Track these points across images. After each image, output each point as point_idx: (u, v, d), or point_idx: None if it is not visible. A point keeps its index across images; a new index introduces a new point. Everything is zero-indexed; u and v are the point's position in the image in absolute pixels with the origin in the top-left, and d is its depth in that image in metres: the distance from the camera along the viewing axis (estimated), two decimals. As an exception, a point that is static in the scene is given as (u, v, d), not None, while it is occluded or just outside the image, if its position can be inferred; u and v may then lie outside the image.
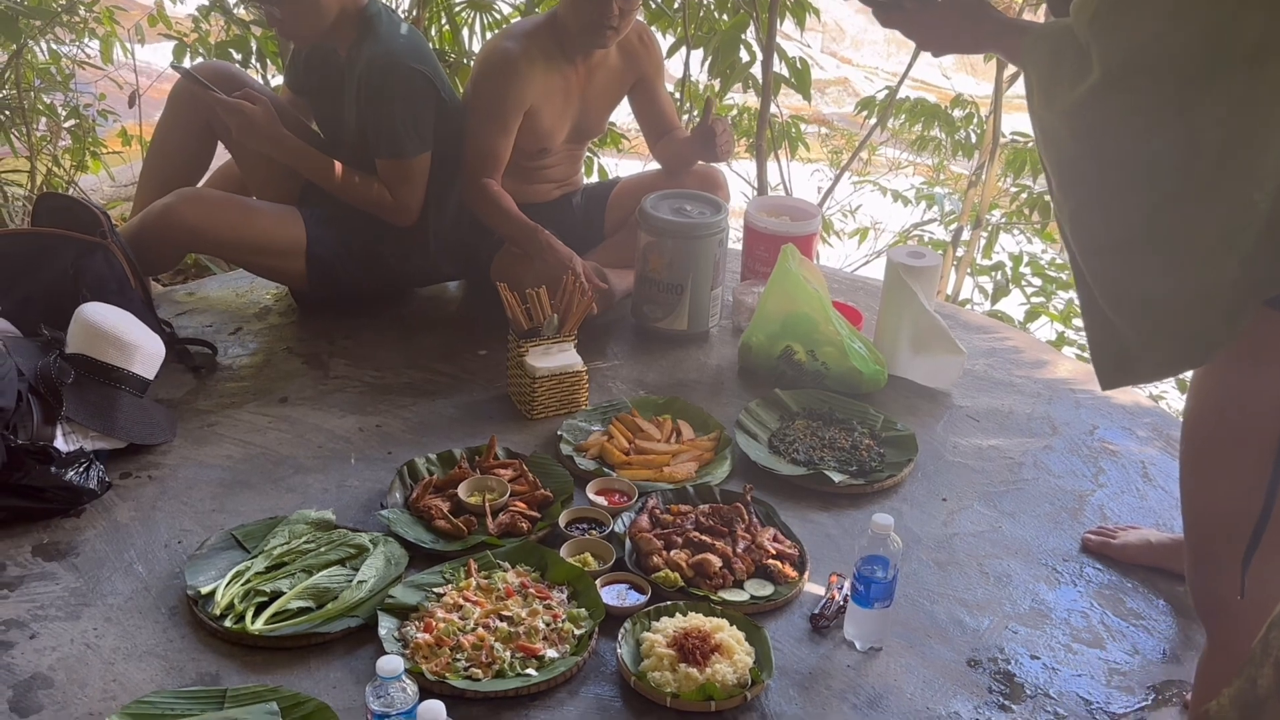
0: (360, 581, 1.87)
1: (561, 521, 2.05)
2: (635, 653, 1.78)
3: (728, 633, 1.78)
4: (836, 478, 2.21)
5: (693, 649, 1.73)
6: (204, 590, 1.84)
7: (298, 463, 2.25)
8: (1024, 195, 4.16)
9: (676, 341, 2.78)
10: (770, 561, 1.96)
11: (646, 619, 1.83)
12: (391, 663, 1.47)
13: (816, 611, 1.88)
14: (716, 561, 1.94)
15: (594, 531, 2.05)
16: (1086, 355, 2.74)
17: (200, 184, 2.86)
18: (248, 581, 1.85)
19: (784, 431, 2.39)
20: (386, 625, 1.78)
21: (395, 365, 2.64)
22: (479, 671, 1.71)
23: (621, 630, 1.80)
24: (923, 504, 2.22)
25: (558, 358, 2.42)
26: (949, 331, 2.58)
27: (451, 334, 2.80)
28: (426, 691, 1.65)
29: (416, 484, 2.14)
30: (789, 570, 1.96)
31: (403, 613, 1.82)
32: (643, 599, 1.89)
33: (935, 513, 2.20)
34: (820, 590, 1.95)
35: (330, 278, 2.73)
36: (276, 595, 1.84)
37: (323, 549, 1.94)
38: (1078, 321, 3.87)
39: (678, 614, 1.83)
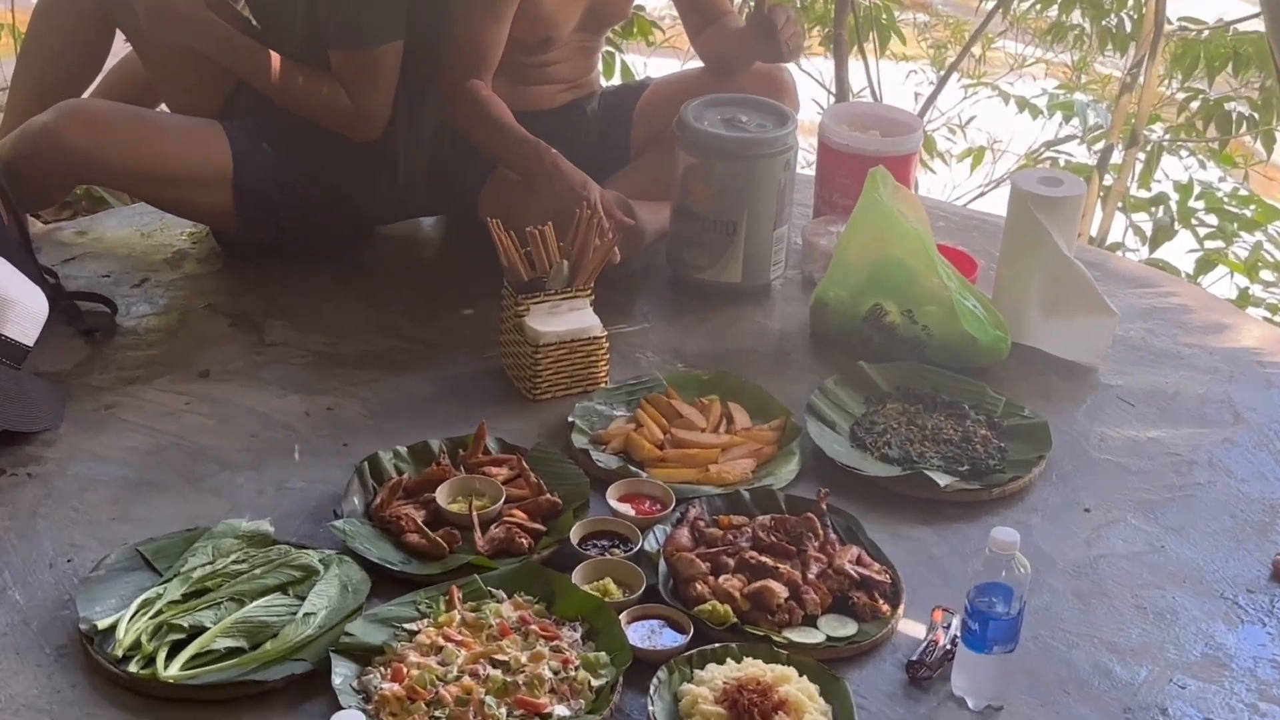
0: (307, 614, 1.88)
1: (574, 537, 2.05)
2: (672, 711, 1.78)
3: (796, 686, 1.78)
4: (942, 480, 2.21)
5: (749, 707, 1.73)
6: (101, 625, 1.85)
7: (224, 457, 2.26)
8: (1196, 103, 4.10)
9: (727, 298, 2.78)
10: (854, 592, 1.96)
11: (687, 667, 1.83)
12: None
13: (915, 658, 1.88)
14: (781, 591, 1.94)
15: (617, 550, 2.05)
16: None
17: (90, 92, 2.87)
18: (159, 613, 1.86)
19: (871, 418, 2.38)
20: (342, 672, 1.79)
21: (352, 329, 2.64)
22: (464, 734, 1.72)
23: (654, 682, 1.80)
24: (1058, 516, 2.21)
25: (568, 319, 2.42)
26: (1095, 285, 2.55)
27: (427, 287, 2.80)
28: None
29: (381, 486, 2.15)
30: (878, 603, 1.96)
31: (364, 656, 1.83)
32: (682, 640, 1.89)
33: (1075, 527, 2.19)
34: (920, 630, 1.94)
35: (265, 214, 2.73)
36: (197, 632, 1.85)
37: (258, 571, 1.95)
38: (1268, 274, 3.83)
39: (729, 660, 1.83)
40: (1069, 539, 2.16)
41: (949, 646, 1.88)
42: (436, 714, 1.74)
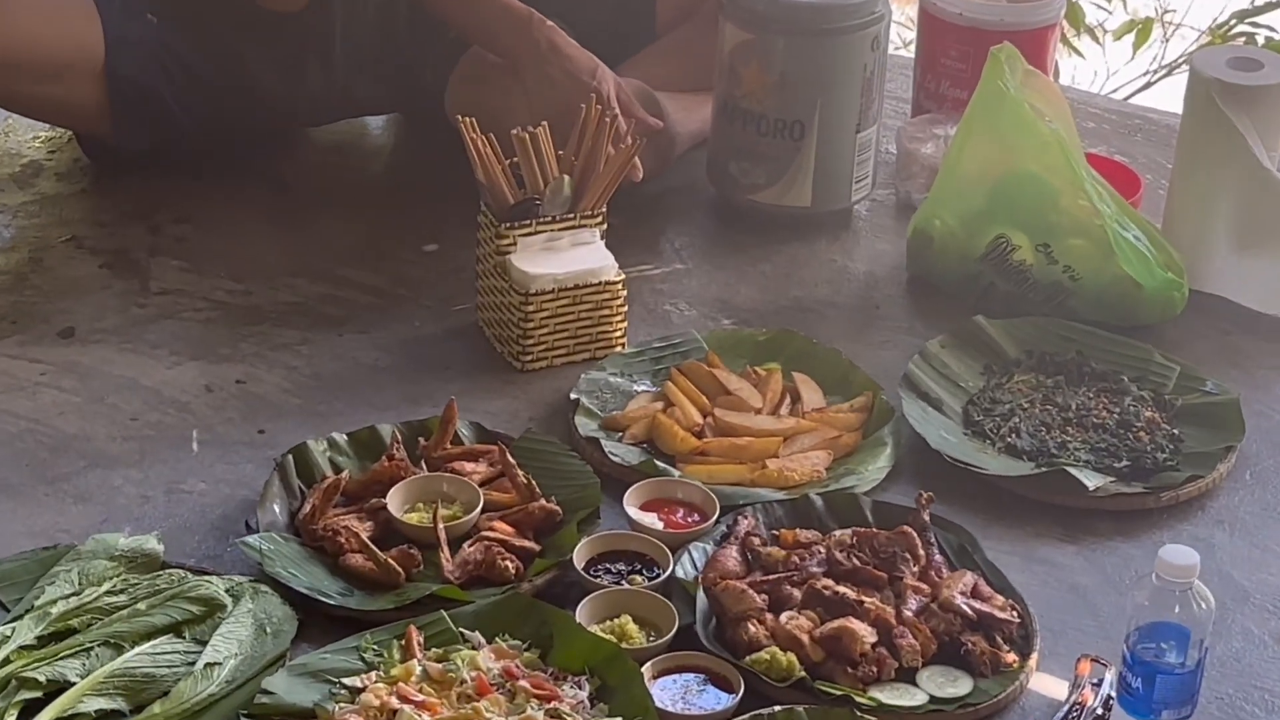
0: (210, 664, 1.88)
1: (578, 559, 2.06)
2: (716, 797, 1.79)
3: (887, 764, 1.78)
4: (1091, 481, 2.21)
5: (822, 793, 1.74)
6: (-74, 678, 1.86)
7: (94, 447, 2.27)
8: None
9: (793, 228, 2.78)
10: (967, 636, 1.96)
11: (736, 738, 1.84)
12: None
13: (1054, 727, 1.88)
14: (867, 635, 1.94)
15: (638, 577, 2.05)
16: None
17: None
18: (6, 662, 1.87)
19: (993, 395, 2.38)
20: (259, 746, 1.80)
21: (271, 272, 2.65)
22: (428, 831, 1.73)
23: (691, 757, 1.81)
24: (1254, 531, 2.21)
25: (571, 257, 2.43)
26: (1309, 211, 2.56)
27: (375, 215, 2.81)
28: None
29: (311, 489, 2.15)
30: (1001, 651, 1.96)
31: (288, 721, 1.84)
32: (729, 702, 1.89)
33: (1277, 546, 2.19)
34: (1060, 689, 1.94)
35: (150, 113, 2.73)
36: (59, 688, 1.85)
37: (141, 606, 1.95)
38: None
39: (794, 729, 1.83)
40: (1269, 563, 2.16)
41: (1100, 711, 1.87)
42: (390, 803, 1.75)
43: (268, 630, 1.95)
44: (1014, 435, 2.30)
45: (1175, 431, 2.32)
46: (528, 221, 2.42)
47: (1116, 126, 3.13)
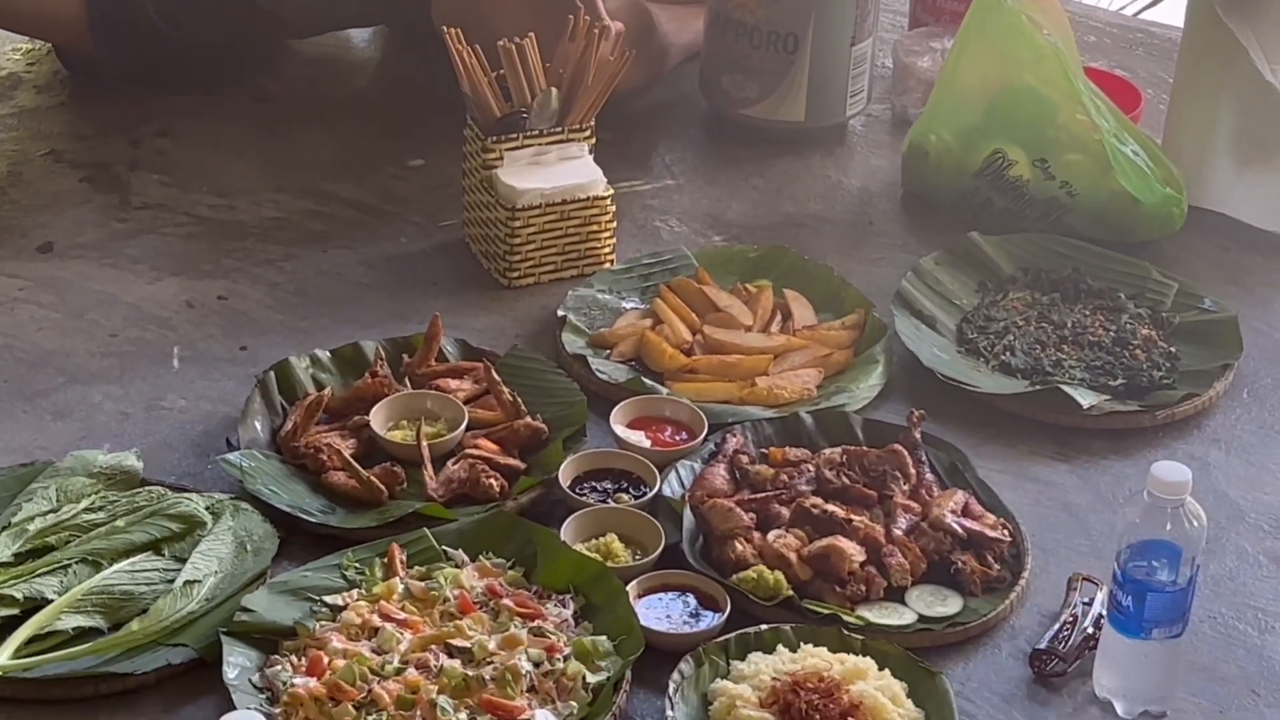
0: (190, 582, 1.89)
1: (564, 477, 2.06)
2: (701, 717, 1.78)
3: (874, 684, 1.78)
4: (1085, 399, 2.21)
5: (808, 713, 1.73)
6: (-99, 595, 1.87)
7: (74, 363, 2.27)
8: None
9: (785, 143, 2.77)
10: (958, 555, 1.96)
11: (722, 657, 1.84)
12: (243, 724, 1.50)
13: (1043, 646, 1.88)
14: (855, 553, 1.94)
15: (625, 496, 2.05)
16: None
17: None
18: (-18, 580, 1.88)
19: (987, 313, 2.38)
20: (238, 663, 1.80)
21: (253, 185, 2.64)
22: (409, 748, 1.73)
23: (675, 678, 1.80)
24: (1250, 449, 2.21)
25: (558, 172, 2.42)
26: (1311, 124, 2.54)
27: (359, 128, 2.80)
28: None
29: (294, 406, 2.15)
30: (992, 570, 1.96)
31: (268, 641, 1.84)
32: (716, 620, 1.89)
33: (1273, 464, 2.19)
34: (1052, 607, 1.94)
35: (130, 25, 2.72)
36: (36, 605, 1.86)
37: (120, 523, 1.96)
38: None
39: (781, 648, 1.84)
40: (1264, 482, 2.15)
41: (1091, 630, 1.88)
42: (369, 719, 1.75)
43: (248, 548, 1.96)
44: (1008, 353, 2.30)
45: (1172, 349, 2.31)
46: (514, 135, 2.40)
47: (1118, 41, 3.12)
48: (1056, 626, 1.90)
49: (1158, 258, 2.50)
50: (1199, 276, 2.48)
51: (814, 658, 1.81)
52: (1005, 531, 2.01)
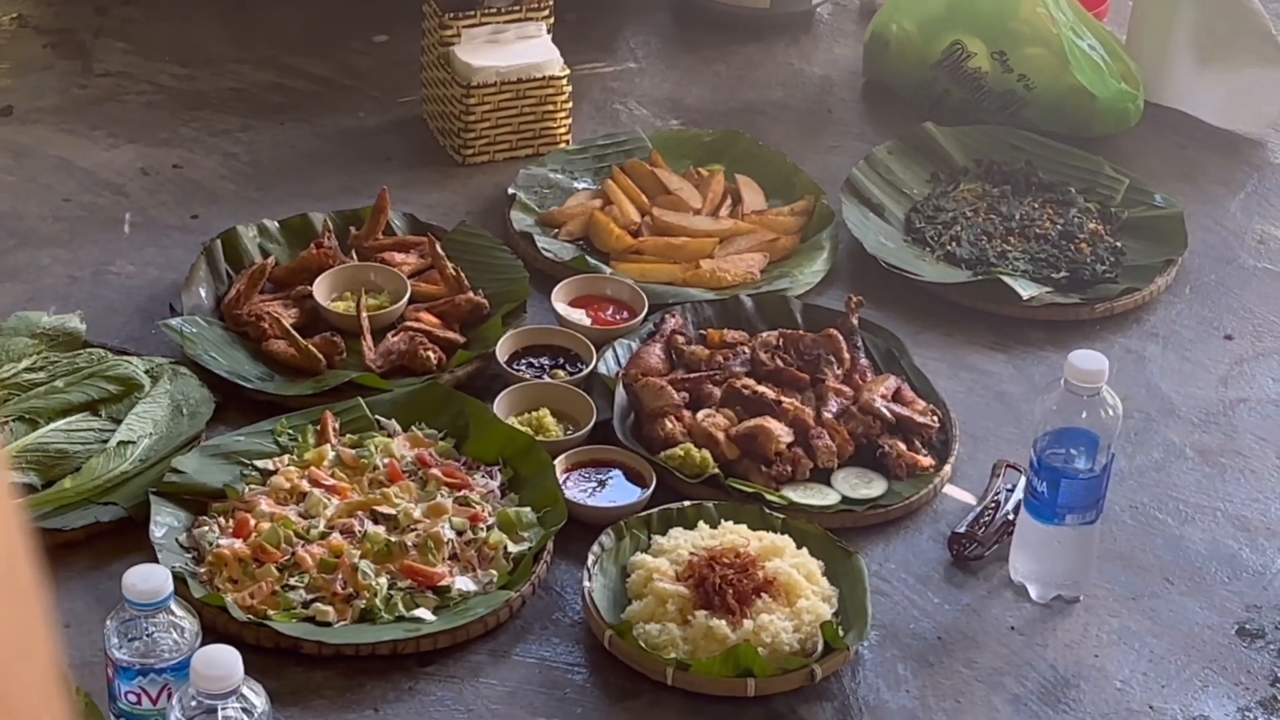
0: (123, 443, 1.91)
1: (501, 352, 2.07)
2: (618, 589, 1.81)
3: (790, 561, 1.80)
4: (1025, 290, 2.22)
5: (720, 587, 1.75)
6: None
7: (25, 228, 2.29)
8: None
9: (750, 30, 2.77)
10: (885, 439, 1.98)
11: (644, 531, 1.86)
12: (149, 578, 1.51)
13: (962, 529, 1.90)
14: (783, 434, 1.96)
15: (561, 372, 2.07)
16: None
17: None
18: (-79, 436, 1.91)
19: (937, 203, 2.39)
20: (165, 522, 1.83)
21: (216, 58, 2.65)
22: (329, 610, 1.75)
23: (595, 549, 1.83)
24: (1188, 345, 2.23)
25: (515, 50, 2.42)
26: (1270, 24, 2.52)
27: (327, 3, 2.79)
28: (226, 638, 1.69)
29: (239, 274, 2.17)
30: (917, 455, 1.98)
31: (198, 502, 1.87)
32: (640, 495, 1.92)
33: (1209, 361, 2.20)
34: (971, 493, 1.96)
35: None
36: (-29, 461, 1.89)
37: (59, 383, 1.98)
38: None
39: (702, 524, 1.86)
40: (1198, 376, 2.18)
41: (1011, 516, 1.90)
42: (291, 581, 1.77)
43: (184, 411, 1.98)
44: (954, 243, 2.31)
45: (1118, 244, 2.32)
46: (471, 12, 2.41)
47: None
48: (977, 511, 1.92)
49: (1114, 153, 2.51)
50: (1153, 173, 2.49)
51: (733, 534, 1.83)
52: (934, 417, 2.02)
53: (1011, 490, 1.93)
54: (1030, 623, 1.84)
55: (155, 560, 1.76)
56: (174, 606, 1.53)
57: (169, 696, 1.50)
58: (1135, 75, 2.52)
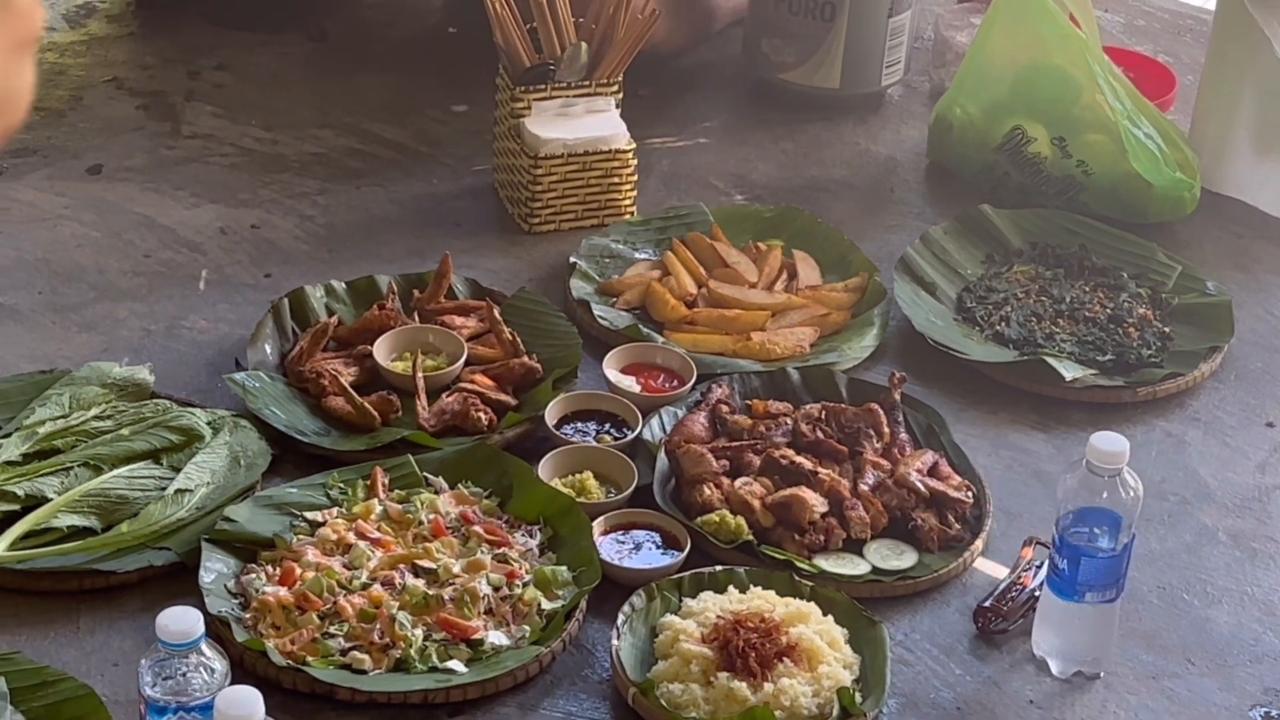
0: (181, 491, 1.98)
1: (550, 415, 2.13)
2: (646, 648, 1.85)
3: (815, 628, 1.84)
4: (1069, 372, 2.25)
5: (744, 650, 1.79)
6: (-84, 486, 1.96)
7: (105, 280, 2.37)
8: None
9: (820, 109, 2.83)
10: (919, 512, 2.01)
11: (675, 593, 1.91)
12: (180, 619, 1.57)
13: (988, 603, 1.93)
14: (817, 504, 2.00)
15: (608, 436, 2.12)
16: None
17: None
18: (-8, 476, 1.97)
19: (989, 284, 2.42)
20: (215, 568, 1.89)
21: (300, 122, 2.73)
22: (365, 658, 1.81)
23: (626, 609, 1.87)
24: (1228, 431, 2.25)
25: (583, 124, 2.48)
26: (1329, 116, 2.56)
27: (411, 73, 2.88)
28: (265, 682, 1.75)
29: (303, 333, 2.24)
30: (950, 529, 2.01)
31: (248, 550, 1.93)
32: (673, 559, 1.96)
33: (1248, 448, 2.22)
34: (1001, 568, 1.99)
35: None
36: (36, 502, 1.95)
37: (125, 431, 2.05)
38: None
39: (731, 589, 1.90)
40: (1236, 462, 2.19)
41: (1037, 592, 1.92)
42: (332, 630, 1.83)
43: (241, 462, 2.04)
44: (1003, 323, 2.34)
45: (1166, 329, 2.35)
46: (542, 86, 2.47)
47: (1167, 26, 3.14)
48: (1003, 585, 1.95)
49: (1170, 240, 2.53)
50: (1207, 260, 2.51)
51: (760, 599, 1.87)
52: (969, 493, 2.05)
53: (1040, 567, 1.95)
54: (1049, 697, 1.86)
55: (203, 605, 1.82)
56: (204, 648, 1.59)
57: (197, 733, 1.56)
58: (1192, 164, 2.55)
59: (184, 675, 1.58)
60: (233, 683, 1.57)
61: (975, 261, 2.47)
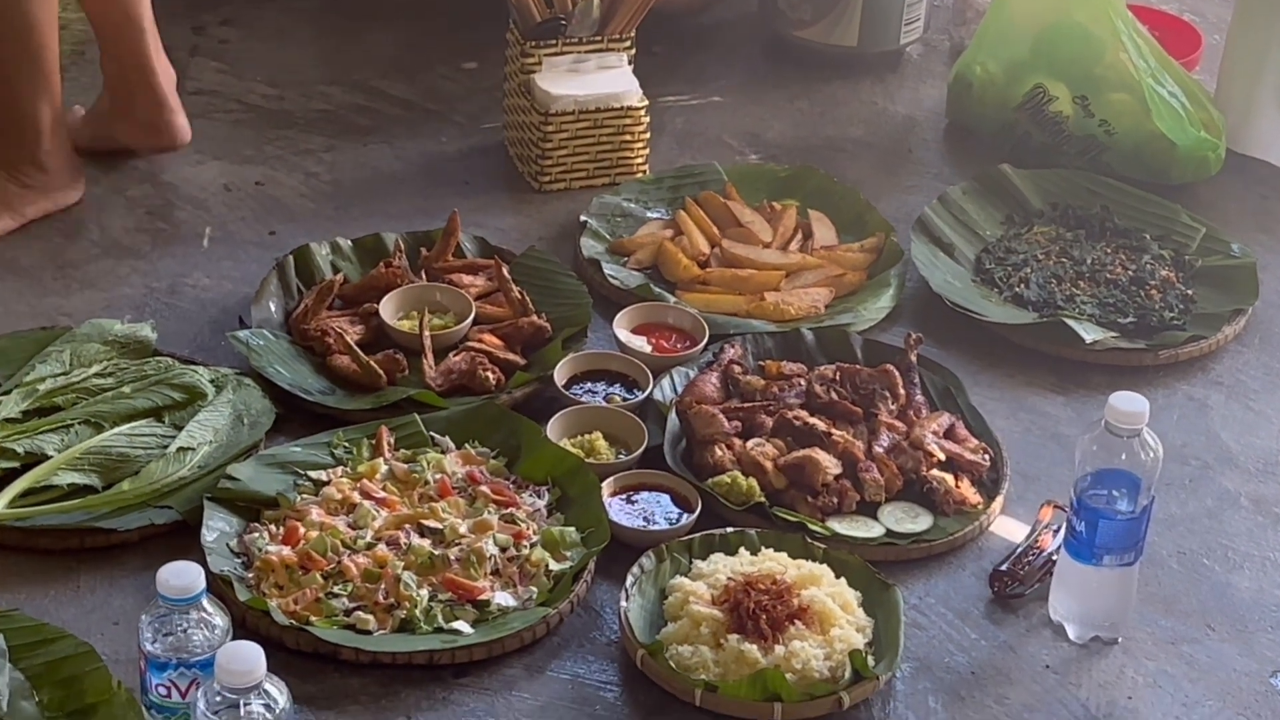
0: (184, 449, 1.98)
1: (559, 375, 2.12)
2: (655, 610, 1.85)
3: (827, 590, 1.83)
4: (1089, 334, 2.24)
5: (755, 612, 1.79)
6: (-87, 443, 1.96)
7: (108, 236, 2.36)
8: None
9: (838, 68, 2.81)
10: (934, 474, 2.01)
11: (685, 555, 1.90)
12: (181, 574, 1.57)
13: (1004, 566, 1.93)
14: (830, 465, 1.99)
15: (618, 396, 2.12)
16: None
17: None
18: (-9, 433, 1.97)
19: (1009, 244, 2.42)
20: (218, 527, 1.89)
21: (307, 79, 2.72)
22: (369, 619, 1.80)
23: (635, 570, 1.87)
24: (1251, 395, 2.24)
25: (595, 80, 2.48)
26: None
27: (421, 30, 2.86)
28: (268, 642, 1.74)
29: (308, 290, 2.24)
30: (966, 491, 2.01)
31: (251, 509, 1.93)
32: (684, 520, 1.96)
33: (1271, 410, 2.21)
34: (1018, 531, 1.99)
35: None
36: (35, 460, 1.95)
37: (126, 389, 2.04)
38: None
39: (743, 550, 1.89)
40: (1259, 426, 2.18)
41: (1054, 555, 1.91)
42: (335, 590, 1.83)
43: (245, 421, 2.04)
44: (1023, 285, 2.33)
45: (1189, 292, 2.33)
46: (553, 41, 2.46)
47: (1198, -18, 3.13)
48: (1020, 549, 1.94)
49: (1194, 201, 2.52)
50: (1231, 222, 2.50)
51: (772, 561, 1.87)
52: (985, 456, 2.05)
53: (1058, 530, 1.94)
54: (1066, 662, 1.85)
55: (205, 563, 1.81)
56: (205, 603, 1.59)
57: (198, 690, 1.55)
58: (1217, 124, 2.53)
59: (184, 631, 1.59)
60: (234, 640, 1.57)
61: (994, 222, 2.46)
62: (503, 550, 1.88)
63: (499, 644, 1.80)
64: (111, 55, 2.40)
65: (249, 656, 1.48)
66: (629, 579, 1.86)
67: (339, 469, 1.98)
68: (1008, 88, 2.61)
